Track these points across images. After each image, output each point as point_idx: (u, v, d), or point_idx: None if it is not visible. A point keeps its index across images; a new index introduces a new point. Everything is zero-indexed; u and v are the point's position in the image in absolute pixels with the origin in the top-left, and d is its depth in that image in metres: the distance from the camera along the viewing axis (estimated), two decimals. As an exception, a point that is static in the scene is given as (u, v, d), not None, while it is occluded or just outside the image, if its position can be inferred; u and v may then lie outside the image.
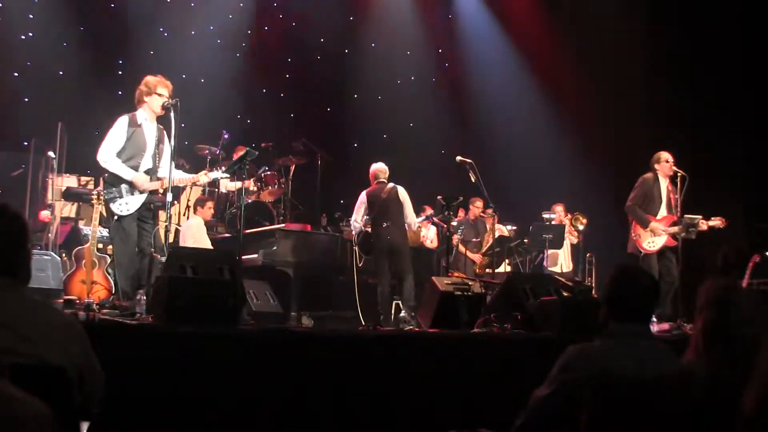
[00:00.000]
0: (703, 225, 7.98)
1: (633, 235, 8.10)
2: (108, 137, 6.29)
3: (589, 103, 11.73)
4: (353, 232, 8.77)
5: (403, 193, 8.52)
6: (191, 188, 9.66)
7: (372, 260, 8.65)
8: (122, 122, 6.32)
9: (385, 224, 8.37)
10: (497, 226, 9.68)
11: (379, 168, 8.72)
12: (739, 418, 2.03)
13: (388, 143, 12.25)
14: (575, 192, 11.37)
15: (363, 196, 8.59)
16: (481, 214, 10.40)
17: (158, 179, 6.38)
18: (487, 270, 10.04)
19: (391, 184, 8.55)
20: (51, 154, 8.78)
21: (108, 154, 6.23)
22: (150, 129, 6.41)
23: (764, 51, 10.43)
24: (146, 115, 6.39)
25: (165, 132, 6.47)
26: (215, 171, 6.91)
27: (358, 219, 8.58)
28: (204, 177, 6.70)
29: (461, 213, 10.65)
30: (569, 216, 10.50)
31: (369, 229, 8.55)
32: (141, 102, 6.40)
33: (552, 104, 12.20)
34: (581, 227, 10.34)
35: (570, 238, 10.54)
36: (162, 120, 6.45)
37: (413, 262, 8.72)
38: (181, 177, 6.58)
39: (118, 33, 10.77)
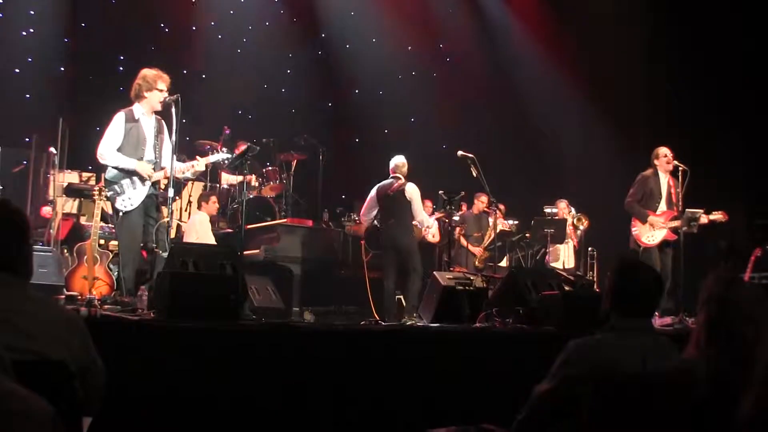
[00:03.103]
0: (705, 219, 8.00)
1: (633, 230, 8.11)
2: (106, 134, 6.24)
3: (589, 98, 11.72)
4: (363, 226, 8.50)
5: (410, 191, 8.08)
6: (192, 184, 9.65)
7: (379, 256, 8.35)
8: (119, 119, 6.25)
9: (390, 221, 8.06)
10: (499, 220, 9.65)
11: (396, 162, 8.26)
12: (740, 415, 2.03)
13: (389, 138, 12.23)
14: (577, 187, 11.36)
15: (373, 192, 8.24)
16: (486, 209, 10.37)
17: (161, 169, 6.36)
18: (489, 264, 10.03)
19: (400, 181, 8.12)
20: (52, 150, 8.76)
21: (107, 150, 6.18)
22: (148, 122, 6.35)
23: (765, 45, 10.39)
24: (143, 110, 6.31)
25: (164, 123, 6.42)
26: (213, 154, 6.83)
27: (365, 214, 8.26)
28: (201, 164, 6.69)
29: (463, 207, 10.64)
30: (572, 214, 10.50)
31: (378, 225, 8.20)
32: (140, 97, 6.29)
33: (554, 99, 12.18)
34: (582, 227, 10.35)
35: (571, 239, 10.53)
36: (163, 116, 6.39)
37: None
38: (179, 167, 6.47)
39: (119, 28, 10.75)
